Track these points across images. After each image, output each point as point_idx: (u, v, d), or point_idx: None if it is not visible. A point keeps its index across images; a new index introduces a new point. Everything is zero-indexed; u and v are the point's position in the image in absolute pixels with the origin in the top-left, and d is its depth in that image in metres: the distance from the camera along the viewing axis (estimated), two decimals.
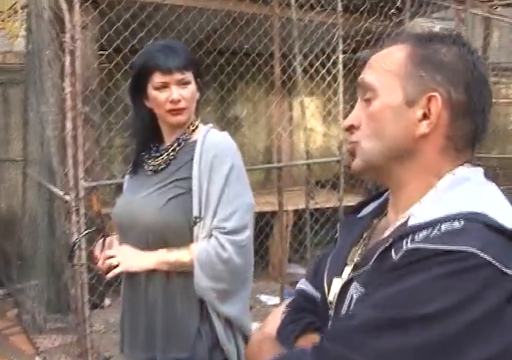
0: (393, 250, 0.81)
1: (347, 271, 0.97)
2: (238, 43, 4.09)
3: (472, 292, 0.72)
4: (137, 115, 1.85)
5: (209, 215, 1.68)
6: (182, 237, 1.69)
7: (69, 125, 2.95)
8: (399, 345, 0.73)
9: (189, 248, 1.68)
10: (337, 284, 0.97)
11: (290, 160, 5.73)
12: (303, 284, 1.14)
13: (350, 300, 0.89)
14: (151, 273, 1.72)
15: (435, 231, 0.77)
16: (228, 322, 1.74)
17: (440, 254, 0.74)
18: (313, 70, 4.02)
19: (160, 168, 1.79)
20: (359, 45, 4.62)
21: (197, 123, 1.83)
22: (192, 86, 1.76)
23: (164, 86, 1.72)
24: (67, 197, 2.99)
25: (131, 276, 1.76)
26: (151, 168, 1.81)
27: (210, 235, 1.68)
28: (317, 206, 4.58)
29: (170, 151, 1.79)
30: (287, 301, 1.14)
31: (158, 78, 1.72)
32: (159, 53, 1.73)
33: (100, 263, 1.76)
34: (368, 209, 1.07)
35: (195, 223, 1.68)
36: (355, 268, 0.93)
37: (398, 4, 4.48)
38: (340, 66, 4.05)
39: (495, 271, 0.73)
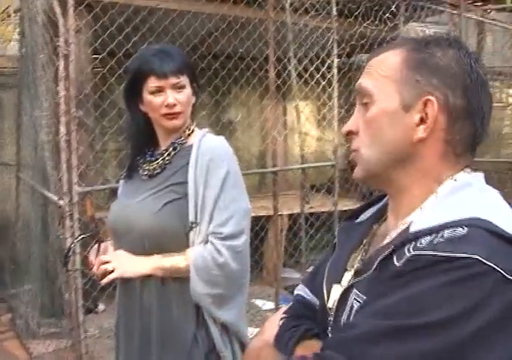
0: (394, 257, 0.80)
1: (346, 277, 0.96)
2: (232, 47, 4.09)
3: (477, 300, 0.71)
4: (132, 120, 1.84)
5: (205, 220, 1.67)
6: (178, 242, 1.68)
7: (63, 129, 2.94)
8: (402, 354, 0.72)
9: (185, 254, 1.67)
10: (337, 291, 0.96)
11: (285, 165, 5.73)
12: (301, 290, 1.13)
13: (351, 307, 0.88)
14: (146, 278, 1.71)
15: (438, 237, 0.76)
16: (224, 328, 1.73)
17: (444, 261, 0.73)
18: (308, 74, 4.02)
19: (155, 172, 1.78)
20: (353, 49, 4.63)
21: (192, 127, 1.82)
22: (188, 90, 1.75)
23: (159, 90, 1.71)
24: (61, 202, 2.97)
25: (126, 281, 1.75)
26: (146, 172, 1.80)
27: (206, 241, 1.67)
28: (312, 210, 4.58)
29: (165, 155, 1.78)
30: (285, 307, 1.13)
31: (153, 82, 1.71)
32: (154, 57, 1.72)
33: (95, 269, 1.74)
34: (366, 214, 1.07)
35: (191, 228, 1.67)
36: (355, 274, 0.92)
37: (392, 8, 4.49)
38: (335, 70, 4.05)
39: (499, 278, 0.72)
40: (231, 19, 3.95)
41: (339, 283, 0.97)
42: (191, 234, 1.68)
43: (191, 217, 1.67)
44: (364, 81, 0.94)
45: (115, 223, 1.80)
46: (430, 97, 0.86)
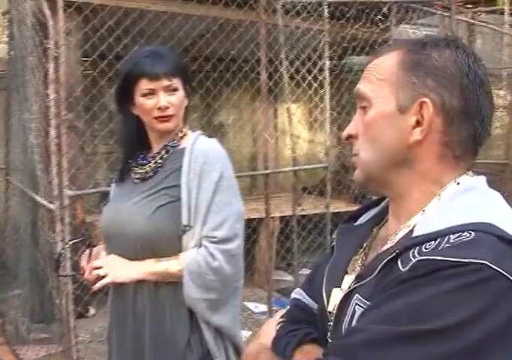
0: (399, 262, 0.79)
1: (347, 280, 0.94)
2: (224, 50, 4.08)
3: (486, 305, 0.71)
4: (124, 123, 1.82)
5: (198, 224, 1.65)
6: (171, 246, 1.66)
7: (53, 133, 2.91)
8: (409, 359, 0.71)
9: (178, 258, 1.65)
10: (337, 295, 0.94)
11: (276, 167, 5.72)
12: (298, 294, 1.12)
13: (353, 312, 0.87)
14: (139, 283, 1.69)
15: (445, 242, 0.76)
16: (218, 333, 1.71)
17: (452, 266, 0.72)
18: (299, 76, 4.01)
19: (147, 176, 1.76)
20: (345, 51, 4.63)
21: (185, 130, 1.80)
22: (180, 93, 1.73)
23: (151, 93, 1.69)
24: (51, 206, 2.94)
25: (119, 286, 1.73)
26: (138, 176, 1.78)
27: (200, 245, 1.65)
28: (304, 213, 4.57)
29: (157, 158, 1.76)
30: (282, 311, 1.11)
31: (144, 84, 1.69)
32: (146, 59, 1.70)
33: (86, 274, 1.72)
34: (365, 217, 1.06)
35: (184, 232, 1.65)
36: (357, 278, 0.90)
37: (384, 10, 4.49)
38: (326, 72, 4.05)
39: (507, 283, 0.72)
40: (222, 21, 3.94)
41: (339, 286, 0.95)
42: (185, 238, 1.66)
43: (185, 221, 1.65)
44: (362, 85, 0.93)
45: (107, 227, 1.77)
46: (425, 99, 0.85)
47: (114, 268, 1.68)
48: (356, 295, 0.87)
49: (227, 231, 1.65)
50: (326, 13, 4.03)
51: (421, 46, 0.89)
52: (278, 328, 1.06)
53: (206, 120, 5.14)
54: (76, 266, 2.11)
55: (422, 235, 0.79)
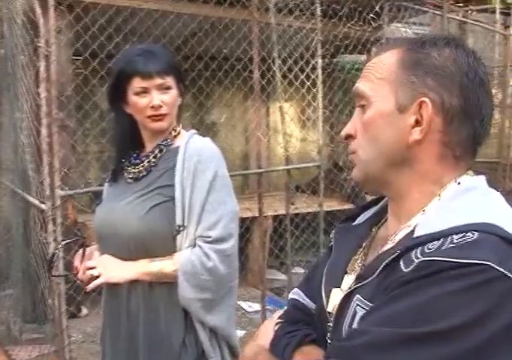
0: (401, 262, 0.78)
1: (347, 281, 0.94)
2: (216, 48, 4.06)
3: (490, 306, 0.70)
4: (117, 122, 1.80)
5: (192, 223, 1.63)
6: (165, 246, 1.65)
7: (44, 132, 2.89)
8: None
9: (172, 258, 1.64)
10: (337, 295, 0.93)
11: (269, 166, 5.71)
12: (296, 294, 1.11)
13: (354, 314, 0.86)
14: (133, 283, 1.67)
15: (448, 243, 0.75)
16: (213, 333, 1.70)
17: (456, 267, 0.71)
18: (292, 75, 4.01)
19: (141, 175, 1.74)
20: (337, 50, 4.63)
21: (178, 129, 1.79)
22: (173, 91, 1.72)
23: (144, 91, 1.68)
24: (43, 206, 2.92)
25: (113, 286, 1.71)
26: (131, 175, 1.76)
27: (194, 244, 1.64)
28: (297, 211, 4.56)
29: (151, 157, 1.74)
30: (280, 311, 1.10)
31: (137, 83, 1.67)
32: (139, 57, 1.68)
33: (80, 274, 1.70)
34: (363, 217, 1.05)
35: (178, 232, 1.64)
36: (357, 279, 0.89)
37: (376, 9, 4.50)
38: (319, 71, 4.04)
39: (511, 283, 0.71)
40: (215, 20, 3.92)
41: (339, 286, 0.95)
42: (179, 237, 1.64)
43: (179, 221, 1.63)
44: (361, 84, 0.93)
45: (100, 226, 1.76)
46: (425, 99, 0.85)
47: (108, 269, 1.67)
48: (357, 295, 0.86)
49: (221, 231, 1.64)
50: (318, 12, 4.02)
51: (420, 45, 0.88)
52: (276, 329, 1.05)
53: (198, 119, 5.12)
54: (68, 266, 2.09)
55: (424, 236, 0.79)
